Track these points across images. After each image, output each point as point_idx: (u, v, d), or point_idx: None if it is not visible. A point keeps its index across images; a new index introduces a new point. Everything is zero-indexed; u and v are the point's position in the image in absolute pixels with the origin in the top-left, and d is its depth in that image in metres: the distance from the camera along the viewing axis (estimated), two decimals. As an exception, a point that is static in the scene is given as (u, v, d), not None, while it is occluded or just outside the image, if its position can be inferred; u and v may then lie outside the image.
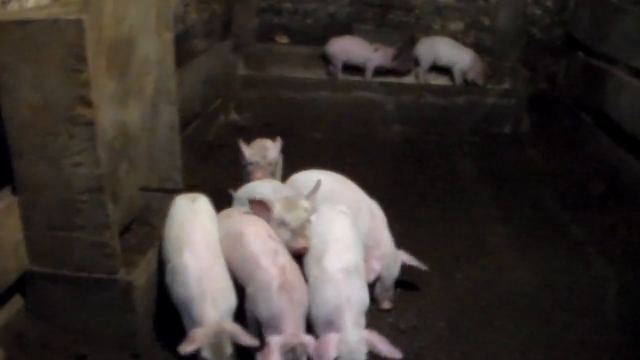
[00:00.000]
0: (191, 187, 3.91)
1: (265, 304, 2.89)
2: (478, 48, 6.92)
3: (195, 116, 5.52)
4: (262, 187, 3.74)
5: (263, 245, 3.08)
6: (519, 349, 3.33)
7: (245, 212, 3.41)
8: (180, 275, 2.93)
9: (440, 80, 6.66)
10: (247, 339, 2.80)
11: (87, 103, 2.65)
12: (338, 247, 3.14)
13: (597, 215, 4.83)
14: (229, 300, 2.93)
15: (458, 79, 6.54)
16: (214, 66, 5.98)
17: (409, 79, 6.67)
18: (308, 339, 2.82)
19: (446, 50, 6.55)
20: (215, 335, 2.77)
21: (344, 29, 6.89)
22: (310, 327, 2.96)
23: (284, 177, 4.22)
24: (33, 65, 2.62)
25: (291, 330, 2.81)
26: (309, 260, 3.16)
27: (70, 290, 3.01)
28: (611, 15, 5.70)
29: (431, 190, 5.16)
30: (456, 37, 6.96)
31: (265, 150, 4.26)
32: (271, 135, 5.99)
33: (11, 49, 2.61)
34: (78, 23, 2.54)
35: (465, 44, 6.80)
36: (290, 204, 3.29)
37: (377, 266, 3.46)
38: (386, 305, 3.49)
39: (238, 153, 4.28)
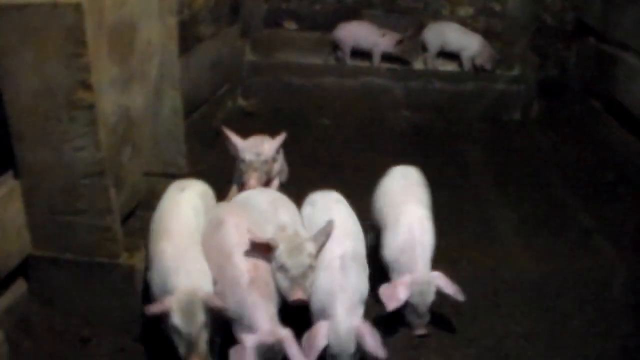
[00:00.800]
0: (197, 172, 3.90)
1: (235, 301, 2.77)
2: (488, 34, 6.85)
3: (202, 102, 5.51)
4: (257, 200, 3.37)
5: (239, 238, 2.94)
6: (524, 335, 3.33)
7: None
8: (157, 261, 2.85)
9: (449, 66, 6.59)
10: (220, 304, 2.72)
11: (88, 87, 2.66)
12: (335, 235, 3.05)
13: (606, 203, 4.79)
14: (205, 280, 2.83)
15: (466, 65, 6.49)
16: (221, 52, 5.95)
17: (417, 65, 6.60)
18: (285, 334, 2.68)
19: (454, 36, 6.48)
20: (188, 301, 2.67)
21: (353, 15, 6.83)
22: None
23: (290, 179, 4.12)
24: (33, 50, 2.63)
25: (266, 328, 2.68)
26: None
27: (72, 274, 3.04)
28: (623, 0, 5.62)
29: (439, 176, 5.06)
30: (465, 22, 6.89)
31: (261, 146, 3.79)
32: (279, 121, 6.05)
33: (11, 34, 2.63)
34: (78, 7, 2.55)
35: (475, 30, 6.73)
36: (295, 247, 2.90)
37: (402, 295, 3.09)
38: (420, 331, 3.23)
39: (228, 145, 3.87)
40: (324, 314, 2.85)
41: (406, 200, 3.48)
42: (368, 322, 2.86)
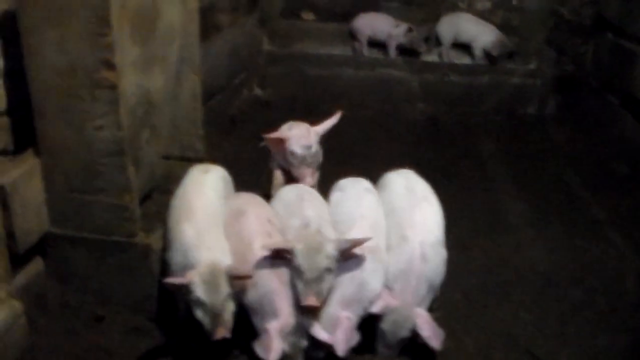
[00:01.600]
0: (213, 159, 3.91)
1: (255, 288, 2.78)
2: (505, 28, 6.85)
3: (219, 89, 5.54)
4: (284, 191, 3.31)
5: (260, 227, 2.96)
6: (533, 323, 3.35)
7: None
8: (177, 240, 2.86)
9: (465, 59, 6.59)
10: (245, 272, 2.72)
11: (111, 67, 2.69)
12: (361, 226, 3.00)
13: (619, 196, 4.79)
14: (226, 257, 2.83)
15: (478, 55, 6.50)
16: (239, 40, 5.99)
17: (433, 57, 6.62)
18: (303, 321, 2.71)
19: (467, 26, 6.49)
20: (211, 273, 2.67)
21: (371, 6, 6.83)
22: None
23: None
24: (58, 29, 2.67)
25: (288, 311, 2.71)
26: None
27: (89, 252, 3.08)
28: (642, -5, 5.61)
29: (453, 167, 5.14)
30: (483, 16, 6.88)
31: (308, 137, 3.50)
32: (294, 111, 6.07)
33: (36, 12, 2.66)
34: (102, -14, 2.57)
35: (492, 24, 6.73)
36: (313, 247, 2.75)
37: (391, 300, 2.91)
38: None
39: (270, 145, 3.62)
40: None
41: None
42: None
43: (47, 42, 2.68)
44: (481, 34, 6.43)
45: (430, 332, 2.86)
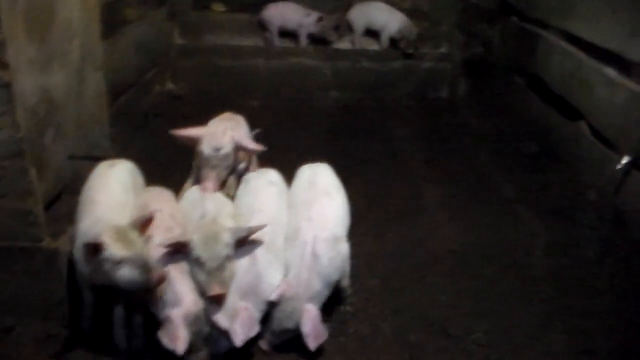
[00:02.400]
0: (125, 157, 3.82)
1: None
2: (415, 13, 6.96)
3: (129, 85, 5.43)
4: (208, 203, 3.14)
5: (161, 222, 2.92)
6: (449, 303, 3.41)
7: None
8: (79, 236, 2.81)
9: (377, 46, 6.65)
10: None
11: (4, 65, 2.59)
12: (261, 218, 3.00)
13: (529, 175, 4.93)
14: None
15: (384, 42, 6.57)
16: (148, 35, 5.87)
17: (345, 45, 6.65)
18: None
19: (378, 14, 6.55)
20: (118, 229, 2.66)
21: (281, -4, 6.84)
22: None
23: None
24: (-54, 27, 2.55)
25: (190, 298, 2.69)
26: None
27: (-6, 259, 2.96)
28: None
29: (368, 154, 5.19)
30: (393, 2, 6.96)
31: (222, 137, 3.29)
32: (207, 104, 6.00)
33: None
34: (-11, -17, 2.48)
35: (402, 10, 6.82)
36: (210, 236, 2.77)
37: (288, 290, 2.87)
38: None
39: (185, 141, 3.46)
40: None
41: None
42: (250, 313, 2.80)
43: (-64, 41, 2.57)
44: (390, 22, 6.48)
45: (310, 331, 2.82)
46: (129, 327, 2.88)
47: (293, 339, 2.93)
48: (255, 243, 2.89)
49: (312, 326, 2.82)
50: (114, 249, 2.59)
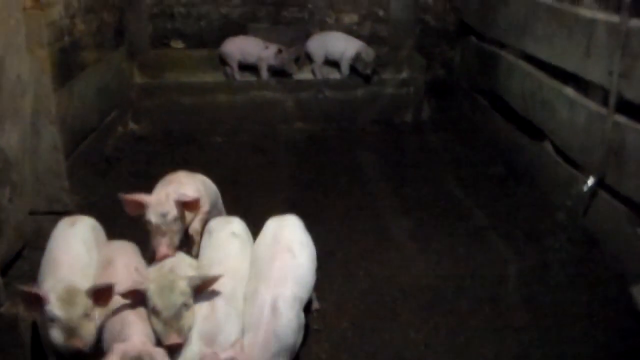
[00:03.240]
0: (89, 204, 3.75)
1: (113, 325, 2.70)
2: (374, 39, 6.99)
3: (90, 130, 5.34)
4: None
5: (126, 276, 2.87)
6: (424, 341, 3.35)
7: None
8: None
9: (338, 74, 6.64)
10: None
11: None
12: (220, 271, 2.90)
13: (497, 199, 4.92)
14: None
15: (344, 71, 6.57)
16: (107, 76, 5.81)
17: (306, 75, 6.64)
18: (158, 351, 2.59)
19: (335, 43, 6.56)
20: (67, 291, 2.61)
21: (239, 29, 6.82)
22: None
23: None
24: None
25: (138, 339, 2.60)
26: None
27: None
28: (497, 1, 5.80)
29: (334, 186, 5.14)
30: (351, 30, 6.99)
31: (167, 203, 3.16)
32: (171, 143, 5.95)
33: None
34: None
35: (361, 36, 6.83)
36: (166, 285, 2.71)
37: (239, 355, 2.67)
38: None
39: (124, 203, 3.24)
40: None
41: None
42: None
43: None
44: (347, 49, 6.47)
45: None
46: None
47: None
48: (215, 293, 2.82)
49: None
50: (52, 306, 2.56)
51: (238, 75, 6.55)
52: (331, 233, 4.34)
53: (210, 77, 6.65)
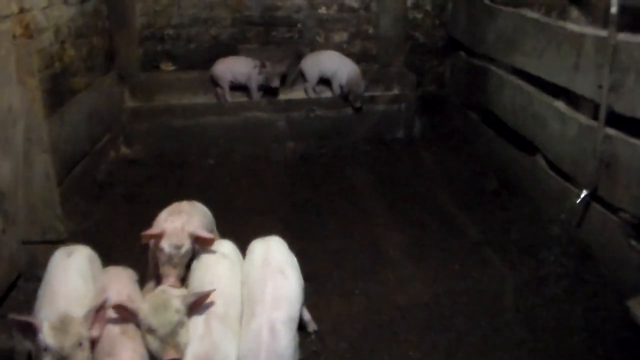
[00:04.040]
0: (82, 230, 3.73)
1: (102, 340, 2.71)
2: (364, 57, 7.02)
3: (82, 155, 5.34)
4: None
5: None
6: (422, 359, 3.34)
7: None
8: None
9: (328, 93, 6.65)
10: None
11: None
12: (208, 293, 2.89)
13: (491, 213, 4.94)
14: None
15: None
16: (98, 101, 5.81)
17: (297, 95, 6.65)
18: None
19: (330, 64, 6.57)
20: (61, 320, 2.58)
21: (229, 50, 6.83)
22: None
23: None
24: None
25: (127, 356, 2.62)
26: None
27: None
28: (485, 16, 5.85)
29: (328, 205, 5.14)
30: (342, 48, 7.01)
31: (181, 234, 3.18)
32: (163, 166, 5.94)
33: None
34: None
35: (351, 54, 6.86)
36: (160, 304, 2.74)
37: None
38: None
39: (144, 237, 3.25)
40: None
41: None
42: None
43: None
44: (340, 70, 6.50)
45: None
46: None
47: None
48: (210, 314, 2.83)
49: None
50: (45, 334, 2.54)
51: (229, 97, 6.55)
52: (325, 253, 4.34)
53: (202, 98, 6.66)
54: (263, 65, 6.37)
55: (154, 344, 2.68)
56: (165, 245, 3.14)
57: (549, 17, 4.71)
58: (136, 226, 3.70)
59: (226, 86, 6.52)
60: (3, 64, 3.29)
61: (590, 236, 4.13)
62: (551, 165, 4.67)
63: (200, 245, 3.25)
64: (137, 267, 3.40)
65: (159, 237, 3.18)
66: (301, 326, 3.00)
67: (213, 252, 3.24)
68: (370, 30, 7.11)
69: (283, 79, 6.60)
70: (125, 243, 4.20)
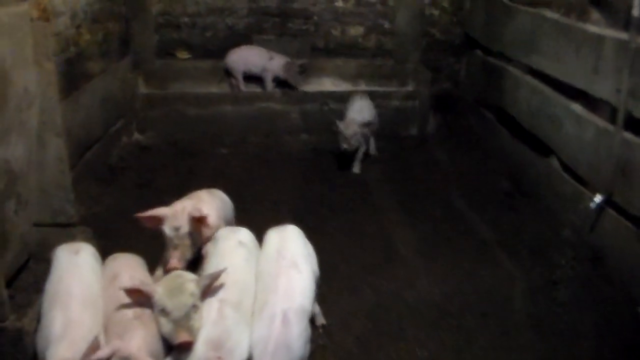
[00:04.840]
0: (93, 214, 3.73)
1: (114, 324, 2.76)
2: (379, 51, 6.98)
3: (95, 140, 5.34)
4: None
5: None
6: (429, 359, 3.32)
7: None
8: (46, 327, 2.72)
9: (343, 86, 6.63)
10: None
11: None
12: (224, 281, 2.92)
13: (504, 214, 4.91)
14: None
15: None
16: (112, 87, 5.81)
17: (311, 87, 6.65)
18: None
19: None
20: None
21: (244, 40, 6.81)
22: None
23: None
24: None
25: (136, 344, 2.61)
26: None
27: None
28: (503, 15, 5.80)
29: (340, 199, 5.13)
30: (357, 42, 6.99)
31: (181, 216, 3.24)
32: (176, 154, 5.94)
33: None
34: None
35: (366, 49, 6.83)
36: (175, 287, 2.78)
37: None
38: None
39: (141, 220, 3.31)
40: None
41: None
42: None
43: None
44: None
45: None
46: None
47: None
48: (223, 301, 2.84)
49: None
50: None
51: (243, 87, 6.54)
52: (336, 247, 4.32)
53: (216, 88, 6.66)
54: (290, 64, 6.40)
55: (167, 326, 2.71)
56: (166, 227, 3.23)
57: (569, 18, 4.66)
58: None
59: (239, 76, 6.51)
60: (20, 46, 3.27)
61: (603, 241, 4.10)
62: (566, 168, 4.63)
63: (197, 225, 3.27)
64: (145, 254, 3.43)
65: (159, 221, 3.25)
66: (310, 319, 2.98)
67: (230, 239, 3.25)
68: (387, 25, 7.06)
69: (301, 74, 6.61)
70: (134, 229, 4.17)
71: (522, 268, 4.15)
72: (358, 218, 4.84)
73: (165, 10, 6.90)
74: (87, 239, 3.60)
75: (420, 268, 4.15)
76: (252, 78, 6.59)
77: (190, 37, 7.01)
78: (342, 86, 6.66)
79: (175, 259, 3.17)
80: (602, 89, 4.11)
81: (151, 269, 3.35)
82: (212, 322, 2.76)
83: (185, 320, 2.69)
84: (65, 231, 3.72)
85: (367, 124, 5.73)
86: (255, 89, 6.63)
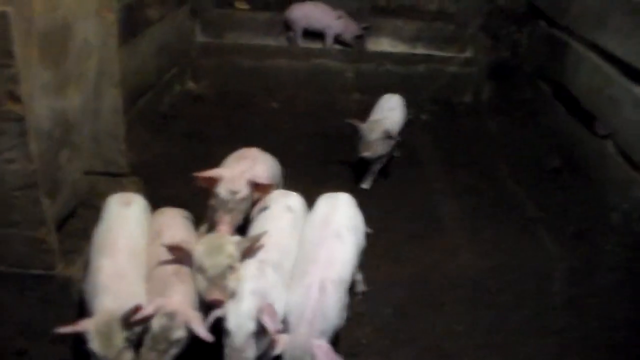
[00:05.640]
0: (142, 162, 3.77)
1: (154, 282, 2.81)
2: (440, 15, 6.87)
3: (149, 87, 5.41)
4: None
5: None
6: (464, 334, 3.36)
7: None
8: (93, 275, 2.77)
9: (400, 48, 6.56)
10: (139, 322, 2.61)
11: (16, 98, 2.57)
12: (265, 244, 2.93)
13: (551, 191, 4.85)
14: (135, 302, 2.65)
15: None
16: (169, 35, 5.84)
17: (369, 47, 6.60)
18: (194, 314, 2.66)
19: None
20: (106, 323, 2.56)
21: (306, -6, 6.75)
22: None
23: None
24: (-41, 60, 2.53)
25: (177, 299, 2.68)
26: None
27: (8, 286, 2.98)
28: (572, -14, 5.64)
29: (387, 163, 5.11)
30: (419, 4, 6.88)
31: (239, 181, 3.18)
32: (227, 105, 5.97)
33: None
34: (3, 16, 2.44)
35: (428, 12, 6.73)
36: (214, 247, 2.80)
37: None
38: None
39: (197, 179, 3.22)
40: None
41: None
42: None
43: (-51, 74, 2.55)
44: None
45: None
46: None
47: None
48: (264, 261, 2.88)
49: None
50: (93, 344, 2.54)
51: (301, 41, 6.52)
52: (380, 213, 4.31)
53: (272, 40, 6.65)
54: (360, 36, 6.45)
55: (202, 283, 2.73)
56: (222, 190, 3.14)
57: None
58: (193, 163, 3.76)
59: (299, 31, 6.48)
60: (83, -1, 3.31)
61: (650, 230, 4.05)
62: (621, 152, 4.54)
63: (259, 192, 3.26)
64: (190, 204, 3.47)
65: (215, 181, 3.18)
66: (349, 287, 3.02)
67: (279, 203, 3.25)
68: (450, -12, 6.95)
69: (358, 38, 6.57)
70: (183, 178, 4.25)
71: (564, 249, 4.11)
72: (403, 183, 4.86)
73: (227, -42, 6.87)
74: (137, 190, 3.64)
75: (462, 241, 4.16)
76: (309, 33, 6.56)
77: (251, -13, 6.98)
78: (399, 48, 6.58)
79: (226, 224, 3.10)
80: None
81: (196, 220, 3.39)
82: (253, 276, 2.79)
83: (219, 279, 2.70)
84: (115, 180, 3.80)
85: (391, 137, 4.76)
86: (311, 44, 6.60)
